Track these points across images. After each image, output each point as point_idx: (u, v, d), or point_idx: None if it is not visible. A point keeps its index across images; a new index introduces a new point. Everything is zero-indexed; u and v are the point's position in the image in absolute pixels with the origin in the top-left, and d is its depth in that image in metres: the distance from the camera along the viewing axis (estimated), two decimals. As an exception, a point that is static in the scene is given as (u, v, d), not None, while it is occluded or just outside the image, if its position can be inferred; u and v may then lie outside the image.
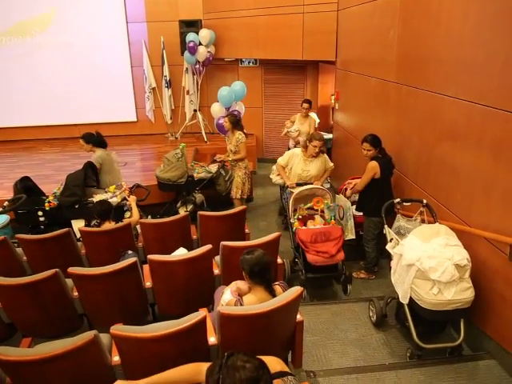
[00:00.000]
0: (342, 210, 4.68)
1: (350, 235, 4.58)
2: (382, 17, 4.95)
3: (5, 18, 8.45)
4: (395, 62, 4.57)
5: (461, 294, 2.93)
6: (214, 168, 5.94)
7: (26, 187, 5.04)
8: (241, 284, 2.72)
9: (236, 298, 2.55)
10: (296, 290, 2.48)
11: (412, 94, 4.16)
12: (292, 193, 4.64)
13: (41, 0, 8.44)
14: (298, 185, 4.79)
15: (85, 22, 8.62)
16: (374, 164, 4.05)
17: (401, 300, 3.16)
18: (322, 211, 4.51)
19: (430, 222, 3.58)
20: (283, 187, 5.31)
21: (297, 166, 4.89)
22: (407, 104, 4.30)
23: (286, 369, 1.75)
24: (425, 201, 3.68)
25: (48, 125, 8.96)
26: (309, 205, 4.50)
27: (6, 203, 4.74)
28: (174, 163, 5.64)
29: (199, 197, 5.90)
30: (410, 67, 4.23)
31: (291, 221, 4.50)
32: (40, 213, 4.89)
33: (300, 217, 4.48)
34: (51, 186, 5.53)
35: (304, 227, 4.38)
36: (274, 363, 1.73)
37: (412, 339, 3.06)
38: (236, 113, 6.37)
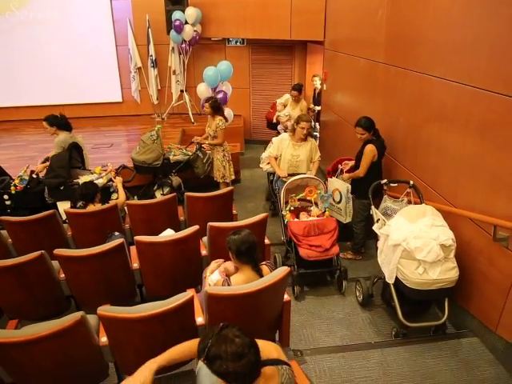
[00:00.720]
0: (337, 193, 4.54)
1: (348, 218, 4.49)
2: (370, -4, 4.89)
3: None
4: (384, 42, 4.53)
5: (445, 273, 2.98)
6: (191, 151, 5.85)
7: None
8: (228, 264, 2.73)
9: (223, 278, 2.55)
10: (283, 270, 2.49)
11: (400, 75, 4.15)
12: (284, 183, 4.38)
13: (20, -27, 8.16)
14: (290, 175, 4.53)
15: (66, -2, 8.36)
16: (371, 147, 4.01)
17: (387, 280, 3.20)
18: (315, 202, 4.30)
19: (416, 203, 3.61)
20: (272, 174, 5.18)
21: (286, 151, 4.68)
22: (395, 85, 4.29)
23: (283, 357, 1.74)
24: (411, 182, 3.70)
25: (31, 105, 8.73)
26: (301, 195, 4.27)
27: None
28: (149, 145, 5.56)
29: (176, 179, 5.82)
30: (399, 48, 4.21)
31: (283, 213, 4.23)
32: (6, 196, 4.77)
33: (292, 208, 4.24)
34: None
35: (296, 219, 4.15)
36: (270, 349, 1.74)
37: (397, 318, 3.12)
38: (222, 94, 6.27)
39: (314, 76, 7.45)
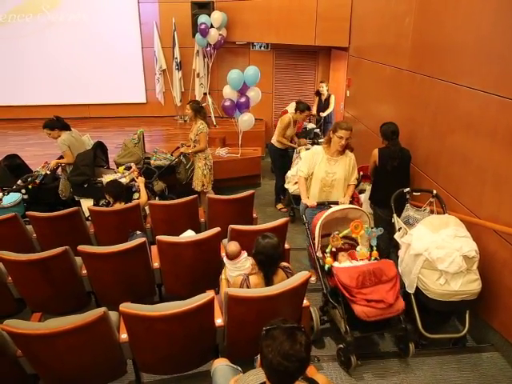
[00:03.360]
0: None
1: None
2: (397, 4, 4.86)
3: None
4: (410, 49, 4.50)
5: (468, 285, 2.93)
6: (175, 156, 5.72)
7: (14, 165, 5.05)
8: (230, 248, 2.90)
9: (243, 277, 2.58)
10: (303, 275, 2.49)
11: (426, 83, 4.11)
12: (314, 213, 3.57)
13: (52, -23, 8.39)
14: (320, 205, 3.67)
15: (96, 0, 8.55)
16: (373, 151, 4.04)
17: (407, 289, 3.16)
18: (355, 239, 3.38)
19: (439, 213, 3.56)
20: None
21: (319, 167, 3.78)
22: (420, 93, 4.25)
23: None
24: (434, 191, 3.66)
25: (58, 104, 8.94)
26: (345, 232, 3.26)
27: (18, 181, 4.77)
28: (130, 149, 5.49)
29: (159, 185, 5.55)
30: (425, 55, 4.17)
31: (317, 254, 3.29)
32: (23, 191, 4.92)
33: (334, 250, 3.29)
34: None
35: (337, 264, 3.21)
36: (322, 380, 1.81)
37: (417, 329, 3.08)
38: (244, 99, 6.27)
39: (321, 82, 7.38)
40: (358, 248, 3.26)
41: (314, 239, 3.31)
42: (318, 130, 6.97)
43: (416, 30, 4.37)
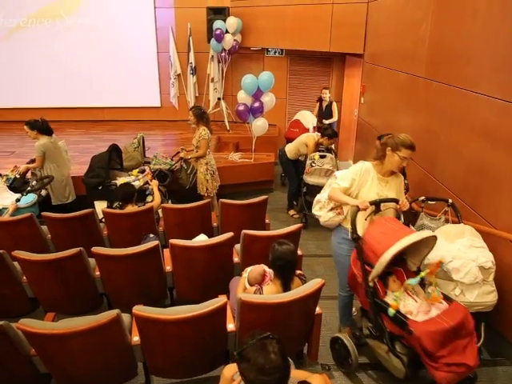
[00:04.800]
0: None
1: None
2: (414, 10, 4.84)
3: (35, 0, 8.56)
4: (426, 56, 4.47)
5: (483, 296, 2.88)
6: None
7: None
8: (255, 270, 2.76)
9: (256, 287, 2.57)
10: (316, 283, 2.48)
11: (442, 91, 4.07)
12: (352, 244, 2.88)
13: (70, -18, 8.54)
14: (375, 204, 2.84)
15: (113, 5, 8.70)
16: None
17: (421, 299, 3.10)
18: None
19: (454, 222, 3.52)
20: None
21: (369, 189, 2.94)
22: (437, 100, 4.22)
23: None
24: (450, 200, 3.60)
25: (74, 107, 9.08)
26: (423, 273, 2.59)
27: (34, 182, 4.83)
28: (129, 153, 5.51)
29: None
30: (442, 63, 4.14)
31: (385, 299, 2.64)
32: None
33: (396, 295, 2.60)
34: (75, 167, 5.63)
35: (407, 304, 2.58)
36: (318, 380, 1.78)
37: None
38: (258, 104, 6.28)
39: (324, 88, 7.35)
40: (429, 290, 2.60)
41: (367, 268, 2.65)
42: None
43: (433, 37, 4.35)
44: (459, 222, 3.42)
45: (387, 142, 2.95)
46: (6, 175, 5.13)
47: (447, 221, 3.61)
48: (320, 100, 7.30)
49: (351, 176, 2.98)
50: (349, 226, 2.93)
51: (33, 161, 5.12)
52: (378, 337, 2.72)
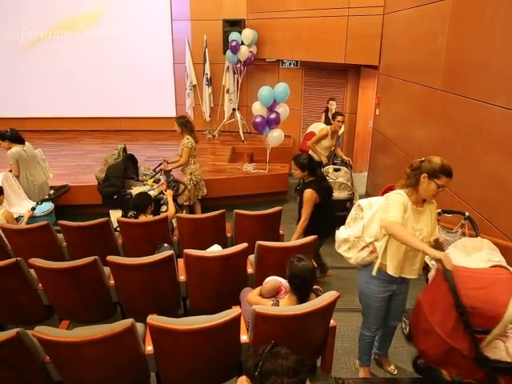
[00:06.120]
0: None
1: None
2: (430, 22, 4.83)
3: (57, 13, 8.82)
4: (442, 68, 4.45)
5: (502, 311, 2.81)
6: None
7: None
8: (272, 285, 2.73)
9: (273, 301, 2.56)
10: (331, 295, 2.45)
11: (459, 103, 4.04)
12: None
13: (90, -4, 8.75)
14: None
15: (132, 18, 8.89)
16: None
17: (437, 313, 3.03)
18: None
19: (471, 236, 3.46)
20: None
21: (405, 223, 2.54)
22: (453, 113, 4.18)
23: None
24: (467, 213, 3.56)
25: (91, 117, 9.25)
26: None
27: (51, 191, 4.90)
28: (109, 164, 5.43)
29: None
30: (458, 75, 4.12)
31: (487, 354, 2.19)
32: None
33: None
34: (91, 176, 5.70)
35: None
36: None
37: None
38: (274, 115, 6.32)
39: (331, 99, 7.36)
40: None
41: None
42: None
43: (449, 49, 4.33)
44: (476, 236, 3.37)
45: (422, 168, 2.55)
46: None
47: (464, 234, 3.56)
48: (326, 111, 7.33)
49: (399, 207, 2.51)
50: (378, 263, 2.68)
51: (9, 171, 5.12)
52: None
